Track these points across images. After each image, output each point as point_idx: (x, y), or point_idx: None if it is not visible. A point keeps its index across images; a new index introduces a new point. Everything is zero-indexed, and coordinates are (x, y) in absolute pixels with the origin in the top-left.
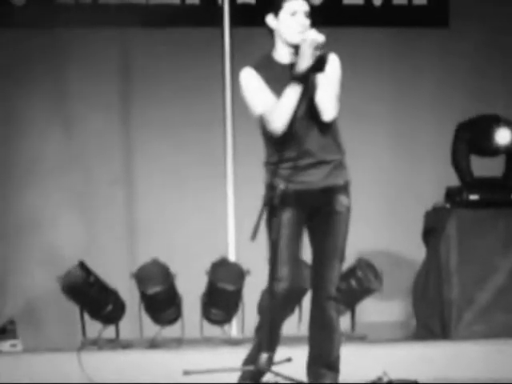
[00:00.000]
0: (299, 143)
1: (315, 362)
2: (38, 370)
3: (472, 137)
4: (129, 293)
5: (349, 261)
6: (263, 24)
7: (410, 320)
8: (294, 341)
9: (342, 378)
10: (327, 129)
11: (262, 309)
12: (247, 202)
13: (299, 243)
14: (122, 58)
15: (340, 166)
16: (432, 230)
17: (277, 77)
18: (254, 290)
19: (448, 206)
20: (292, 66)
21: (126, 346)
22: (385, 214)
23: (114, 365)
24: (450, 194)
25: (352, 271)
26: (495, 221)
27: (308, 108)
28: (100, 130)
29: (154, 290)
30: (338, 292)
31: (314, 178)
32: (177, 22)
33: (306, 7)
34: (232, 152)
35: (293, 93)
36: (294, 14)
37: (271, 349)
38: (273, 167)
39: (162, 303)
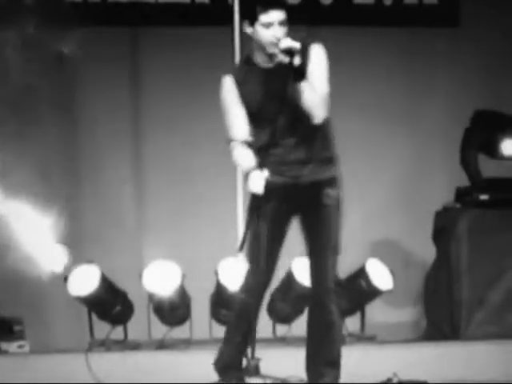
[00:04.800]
0: (287, 139)
1: (314, 360)
2: (45, 371)
3: (482, 138)
4: (137, 294)
5: (359, 261)
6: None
7: (420, 320)
8: (303, 342)
9: (351, 378)
10: (315, 126)
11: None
12: None
13: (280, 237)
14: (131, 56)
15: (329, 162)
16: (442, 230)
17: (254, 80)
18: None
19: (458, 206)
20: (270, 71)
21: (135, 347)
22: (395, 214)
23: (123, 366)
24: (461, 194)
25: (362, 271)
26: (506, 221)
27: (295, 106)
28: (110, 129)
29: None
30: (337, 286)
31: (301, 173)
32: (187, 20)
33: (281, 17)
34: None
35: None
36: (269, 26)
37: (240, 350)
38: (260, 161)
39: (171, 304)
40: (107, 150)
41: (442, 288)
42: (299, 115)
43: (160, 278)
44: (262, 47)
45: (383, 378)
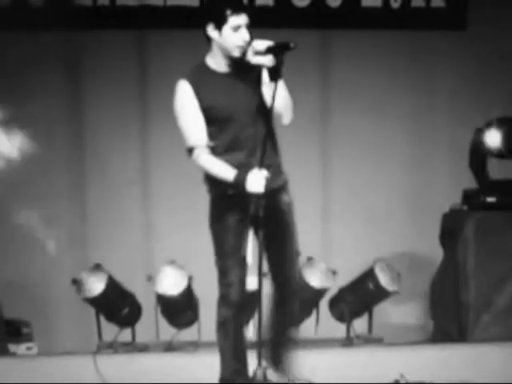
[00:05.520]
0: (246, 148)
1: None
2: (53, 373)
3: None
4: (145, 296)
5: (367, 263)
6: (282, 26)
7: (427, 322)
8: (310, 344)
9: (358, 380)
10: (270, 134)
11: (220, 319)
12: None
13: (245, 246)
14: (139, 59)
15: (279, 168)
16: (449, 233)
17: (212, 85)
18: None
19: (465, 208)
20: (228, 74)
21: (142, 349)
22: (402, 216)
23: (130, 368)
24: (468, 197)
25: (369, 273)
26: None
27: (255, 114)
28: (116, 131)
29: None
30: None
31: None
32: (194, 23)
33: (247, 20)
34: None
35: (228, 178)
36: (237, 29)
37: (238, 358)
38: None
39: (179, 306)
40: (114, 151)
41: (449, 290)
42: (259, 121)
43: (168, 280)
44: (226, 51)
45: (390, 380)
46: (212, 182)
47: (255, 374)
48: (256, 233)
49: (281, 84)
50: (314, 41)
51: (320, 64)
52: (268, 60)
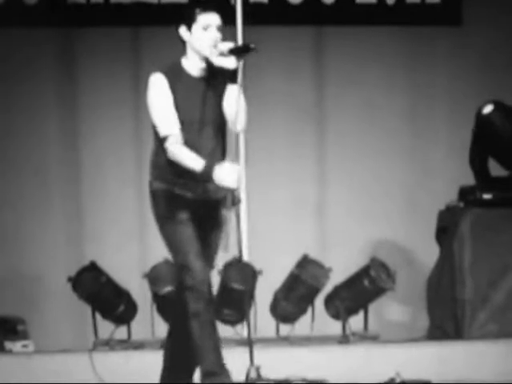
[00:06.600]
0: (204, 155)
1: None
2: (49, 371)
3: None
4: (141, 293)
5: (362, 260)
6: (277, 23)
7: (423, 320)
8: (306, 341)
9: (354, 378)
10: (223, 138)
11: (192, 310)
12: (260, 203)
13: (198, 239)
14: (134, 56)
15: None
16: (445, 230)
17: (184, 87)
18: (266, 290)
19: (462, 205)
20: (201, 79)
21: (138, 346)
22: (398, 214)
23: (126, 365)
24: (464, 193)
25: (365, 271)
26: (509, 220)
27: (218, 121)
28: (112, 128)
29: (166, 290)
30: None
31: (211, 188)
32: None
33: (218, 21)
34: (244, 153)
35: (197, 168)
36: (206, 28)
37: (216, 350)
38: (172, 178)
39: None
40: (109, 149)
41: (445, 287)
42: (220, 126)
43: (163, 277)
44: (197, 50)
45: (386, 378)
46: (161, 178)
47: (248, 372)
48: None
49: (236, 88)
50: (308, 38)
51: (315, 61)
52: (230, 62)
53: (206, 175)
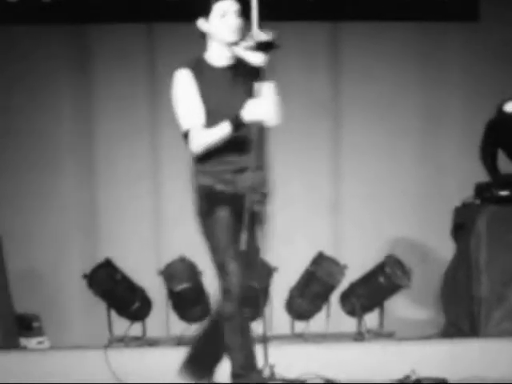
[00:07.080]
0: (236, 146)
1: None
2: (64, 367)
3: (501, 134)
4: (156, 290)
5: (378, 257)
6: (293, 18)
7: (439, 317)
8: (322, 338)
9: (370, 375)
10: (261, 135)
11: (226, 315)
12: (274, 199)
13: (239, 239)
14: (147, 52)
15: (265, 175)
16: (461, 226)
17: (210, 80)
18: (281, 287)
19: (478, 202)
20: (227, 68)
21: (153, 343)
22: (413, 210)
23: (141, 362)
24: (480, 190)
25: (380, 268)
26: None
27: (242, 106)
28: (126, 125)
29: (181, 287)
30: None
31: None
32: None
33: (235, 7)
34: None
35: (227, 129)
36: (224, 15)
37: (247, 353)
38: (213, 170)
39: (190, 300)
40: (124, 145)
41: (461, 285)
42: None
43: (179, 274)
44: (218, 39)
45: (401, 375)
46: (200, 177)
47: (262, 371)
48: (249, 227)
49: (269, 85)
50: (324, 33)
51: (331, 56)
52: (256, 57)
53: (238, 124)
